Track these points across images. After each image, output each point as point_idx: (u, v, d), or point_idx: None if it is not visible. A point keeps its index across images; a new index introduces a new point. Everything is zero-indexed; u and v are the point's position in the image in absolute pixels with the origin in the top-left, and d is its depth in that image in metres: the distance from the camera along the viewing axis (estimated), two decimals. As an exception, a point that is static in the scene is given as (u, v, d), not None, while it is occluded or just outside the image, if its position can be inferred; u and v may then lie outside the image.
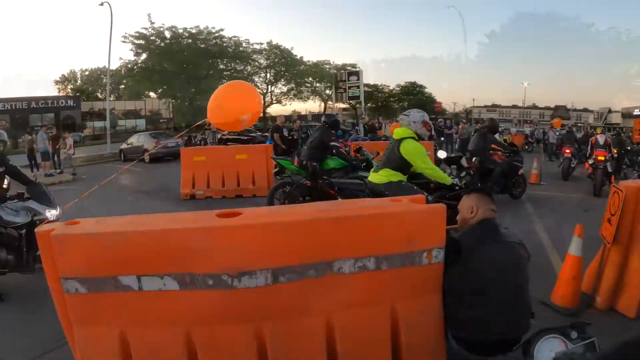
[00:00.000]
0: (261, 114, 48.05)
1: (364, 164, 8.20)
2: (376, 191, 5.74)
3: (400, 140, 5.63)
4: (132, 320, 2.99)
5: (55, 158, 19.49)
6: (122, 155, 25.29)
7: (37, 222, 5.59)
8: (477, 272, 3.00)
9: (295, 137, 14.69)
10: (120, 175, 18.14)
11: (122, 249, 2.86)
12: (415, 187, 5.66)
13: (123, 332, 2.97)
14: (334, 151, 8.07)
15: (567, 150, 15.02)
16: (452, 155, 13.59)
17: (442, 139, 22.55)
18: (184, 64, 37.02)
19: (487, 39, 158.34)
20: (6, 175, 6.25)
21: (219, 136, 28.38)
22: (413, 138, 5.65)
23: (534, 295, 3.27)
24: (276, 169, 10.22)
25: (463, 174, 9.86)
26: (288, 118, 48.87)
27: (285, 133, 14.20)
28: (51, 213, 5.79)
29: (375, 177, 5.79)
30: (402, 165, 5.62)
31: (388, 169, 5.67)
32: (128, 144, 25.18)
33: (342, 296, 3.01)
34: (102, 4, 29.65)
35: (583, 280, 4.85)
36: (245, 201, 10.71)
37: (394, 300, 3.13)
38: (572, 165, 14.84)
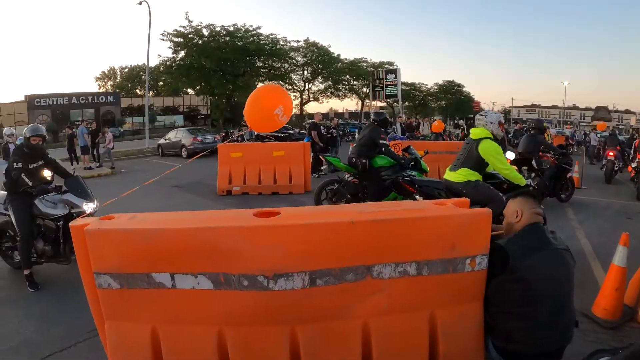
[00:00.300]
0: (298, 112, 47.87)
1: (413, 163, 8.13)
2: (454, 190, 5.92)
3: (479, 140, 5.72)
4: (164, 317, 2.99)
5: (95, 152, 19.97)
6: (160, 150, 25.71)
7: (74, 214, 5.75)
8: (524, 281, 2.87)
9: (333, 134, 14.52)
10: (159, 170, 18.41)
11: (157, 246, 2.83)
12: (490, 187, 5.82)
13: (155, 328, 2.99)
14: (383, 150, 7.99)
15: (611, 153, 14.51)
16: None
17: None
18: (222, 61, 37.13)
19: (528, 37, 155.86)
20: (46, 168, 6.28)
21: (256, 133, 28.46)
22: (490, 138, 5.74)
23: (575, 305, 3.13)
24: (324, 170, 10.25)
25: (533, 175, 9.82)
26: (325, 115, 48.80)
27: (323, 131, 14.07)
28: (88, 206, 5.86)
29: (453, 175, 5.93)
30: (479, 164, 5.75)
31: (466, 168, 5.79)
32: (166, 139, 25.49)
33: (380, 301, 2.93)
34: (140, 3, 30.27)
35: (626, 292, 4.65)
36: (281, 198, 10.71)
37: (434, 306, 3.04)
38: (615, 169, 14.38)
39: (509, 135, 22.99)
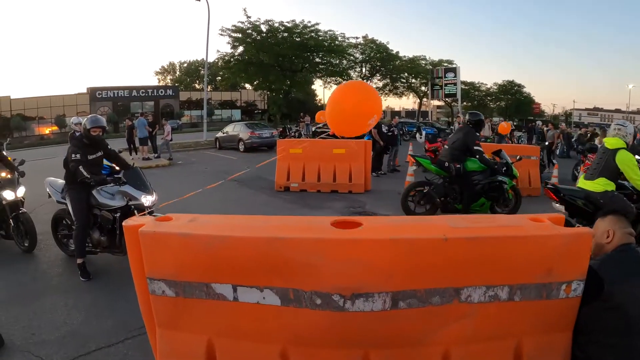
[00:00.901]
0: None
1: (504, 168, 7.88)
2: (591, 199, 5.78)
3: (615, 150, 5.65)
4: (223, 330, 2.76)
5: (152, 143, 20.37)
6: (217, 143, 25.89)
7: (132, 206, 5.83)
8: (620, 309, 2.50)
9: (394, 133, 14.18)
10: (216, 162, 18.50)
11: (219, 254, 2.58)
12: (624, 198, 5.79)
13: (211, 341, 2.79)
14: (477, 157, 7.70)
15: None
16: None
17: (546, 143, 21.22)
18: (280, 56, 37.33)
19: (591, 37, 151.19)
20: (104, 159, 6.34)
21: (313, 129, 28.41)
22: (624, 148, 5.69)
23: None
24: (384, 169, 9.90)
25: None
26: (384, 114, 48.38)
27: (384, 129, 13.74)
28: (146, 198, 5.81)
29: (591, 185, 5.84)
30: (615, 175, 5.71)
31: (604, 178, 5.72)
32: (224, 133, 25.67)
33: (466, 327, 2.58)
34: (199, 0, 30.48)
35: None
36: (341, 197, 10.43)
37: (521, 335, 2.67)
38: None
39: (572, 140, 22.14)
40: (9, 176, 7.33)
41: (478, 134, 8.27)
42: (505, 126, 20.50)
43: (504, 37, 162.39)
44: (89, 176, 5.57)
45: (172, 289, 2.70)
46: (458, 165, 7.67)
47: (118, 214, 5.85)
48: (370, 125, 4.70)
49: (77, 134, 10.32)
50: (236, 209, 9.23)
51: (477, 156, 7.66)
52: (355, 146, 11.22)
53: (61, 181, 6.52)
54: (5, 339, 4.40)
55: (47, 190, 6.84)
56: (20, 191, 7.26)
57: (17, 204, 7.12)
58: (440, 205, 8.03)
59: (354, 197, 10.30)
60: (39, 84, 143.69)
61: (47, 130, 58.11)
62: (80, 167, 5.60)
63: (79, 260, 5.86)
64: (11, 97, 57.52)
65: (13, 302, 5.39)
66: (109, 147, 6.34)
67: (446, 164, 7.78)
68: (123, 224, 2.99)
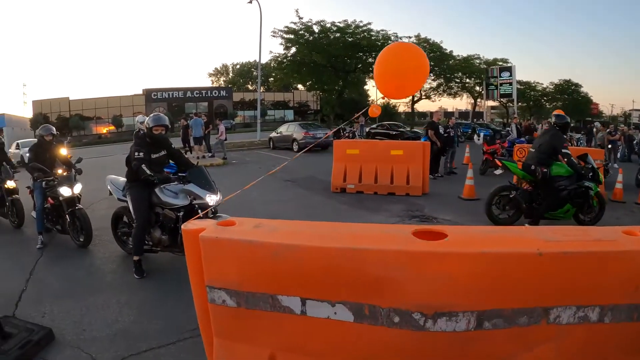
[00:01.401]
0: (409, 109, 47.01)
1: (591, 173, 7.47)
2: None
3: None
4: (287, 345, 2.64)
5: (207, 143, 20.75)
6: (271, 143, 26.09)
7: (196, 205, 5.69)
8: None
9: (450, 134, 13.82)
10: (270, 162, 18.57)
11: (288, 264, 2.44)
12: None
13: (273, 355, 2.67)
14: (565, 160, 7.35)
15: None
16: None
17: (610, 146, 20.31)
18: (333, 57, 37.22)
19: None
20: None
21: (367, 129, 28.28)
22: None
23: None
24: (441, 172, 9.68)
25: None
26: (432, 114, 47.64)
27: (441, 130, 13.44)
28: (211, 198, 5.66)
29: None
30: None
31: None
32: (277, 133, 25.83)
33: (549, 351, 2.34)
34: (250, 2, 30.87)
35: None
36: (398, 200, 10.16)
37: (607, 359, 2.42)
38: None
39: (634, 142, 21.29)
40: (65, 173, 7.67)
41: (565, 137, 7.91)
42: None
43: (559, 34, 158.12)
44: (151, 174, 5.56)
45: (233, 299, 2.60)
46: (545, 170, 7.32)
47: (181, 213, 5.76)
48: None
49: (142, 132, 10.84)
50: (293, 210, 9.15)
51: (566, 160, 7.30)
52: (413, 147, 11.04)
53: (122, 179, 6.58)
54: (56, 334, 4.44)
55: (108, 187, 6.87)
56: (77, 188, 7.55)
57: (73, 200, 7.43)
58: (525, 211, 7.67)
59: (412, 200, 10.03)
60: (97, 85, 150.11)
61: (104, 130, 60.41)
62: (143, 166, 5.58)
63: (135, 258, 5.90)
64: (70, 99, 60.15)
65: (66, 297, 5.47)
66: (173, 146, 6.33)
67: (532, 167, 7.46)
68: (182, 227, 2.92)
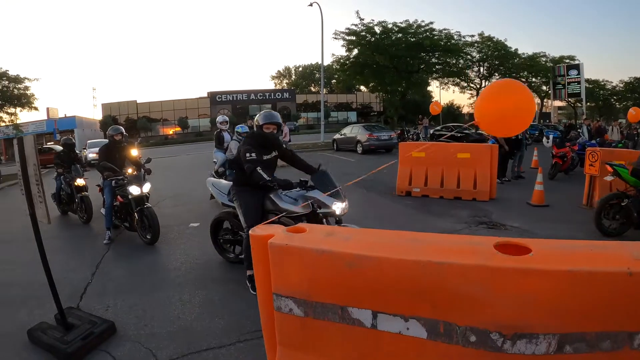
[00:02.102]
0: (474, 111, 46.54)
1: None
2: None
3: None
4: (354, 358, 2.58)
5: None
6: (335, 145, 26.24)
7: (320, 214, 5.15)
8: None
9: (519, 136, 13.29)
10: (333, 164, 18.57)
11: (361, 276, 2.38)
12: None
13: None
14: None
15: None
16: None
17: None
18: (396, 57, 36.91)
19: None
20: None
21: (431, 131, 27.94)
22: None
23: None
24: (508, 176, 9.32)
25: None
26: None
27: None
28: (337, 206, 5.07)
29: None
30: None
31: None
32: (341, 135, 25.91)
33: None
34: (311, 5, 31.25)
35: None
36: (464, 205, 9.92)
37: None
38: None
39: None
40: (135, 173, 7.96)
41: None
42: (634, 113, 18.44)
43: (629, 29, 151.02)
44: (269, 179, 4.93)
45: (301, 308, 2.58)
46: None
47: (304, 222, 5.05)
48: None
49: (225, 133, 11.43)
50: (358, 213, 9.05)
51: None
52: (480, 150, 10.74)
53: (225, 182, 6.35)
54: (118, 327, 4.60)
55: (211, 190, 6.52)
56: (146, 187, 7.81)
57: (142, 198, 7.74)
58: (637, 221, 6.94)
59: (479, 206, 9.77)
60: (163, 88, 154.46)
61: (170, 131, 62.25)
62: (258, 169, 4.97)
63: (249, 272, 5.27)
64: (137, 101, 62.71)
65: (130, 291, 5.66)
66: (285, 146, 5.93)
67: None
68: (250, 232, 2.90)
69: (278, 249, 2.58)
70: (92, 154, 22.86)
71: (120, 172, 7.94)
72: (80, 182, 10.25)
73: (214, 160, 11.50)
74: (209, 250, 6.66)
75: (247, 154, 5.09)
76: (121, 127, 8.66)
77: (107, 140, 8.80)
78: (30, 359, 4.27)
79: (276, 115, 5.42)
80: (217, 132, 11.91)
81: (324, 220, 5.17)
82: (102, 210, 8.53)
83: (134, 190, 7.57)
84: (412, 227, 7.66)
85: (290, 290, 2.60)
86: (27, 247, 6.18)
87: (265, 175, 4.94)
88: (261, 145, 5.35)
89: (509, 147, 12.72)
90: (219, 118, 12.00)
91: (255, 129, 5.43)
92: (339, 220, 5.27)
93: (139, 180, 7.72)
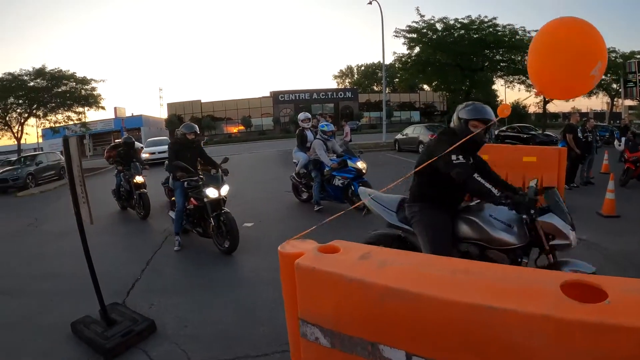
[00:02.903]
0: (540, 110, 43.84)
1: None
2: None
3: None
4: None
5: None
6: (397, 145, 25.99)
7: (548, 247, 3.79)
8: None
9: (588, 139, 12.45)
10: (395, 165, 18.28)
11: (396, 312, 2.06)
12: None
13: None
14: None
15: None
16: None
17: None
18: (459, 55, 36.02)
19: None
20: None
21: (496, 132, 27.17)
22: None
23: None
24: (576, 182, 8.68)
25: None
26: (566, 115, 43.88)
27: (579, 134, 12.09)
28: (573, 235, 3.76)
29: None
30: None
31: None
32: (403, 135, 25.66)
33: None
34: (370, 3, 31.35)
35: None
36: None
37: None
38: None
39: None
40: (212, 173, 7.42)
41: None
42: None
43: None
44: (500, 193, 3.60)
45: (327, 338, 2.33)
46: None
47: (524, 260, 3.85)
48: (594, 77, 3.35)
49: (308, 132, 10.93)
50: None
51: None
52: (548, 154, 10.06)
53: (391, 196, 4.82)
54: (158, 326, 4.63)
55: (370, 205, 4.83)
56: (224, 190, 7.24)
57: (219, 202, 7.12)
58: None
59: None
60: (226, 88, 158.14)
61: (234, 130, 63.37)
62: (479, 178, 3.61)
63: None
64: (202, 101, 64.14)
65: (175, 291, 5.68)
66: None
67: None
68: (278, 249, 2.65)
69: (305, 272, 2.37)
70: (145, 154, 23.06)
71: (195, 172, 7.48)
72: (138, 179, 10.80)
73: (295, 161, 10.95)
74: (260, 252, 6.60)
75: (454, 156, 3.77)
76: (195, 125, 8.05)
77: (165, 137, 8.91)
78: (71, 351, 4.37)
79: (487, 109, 4.12)
80: (299, 130, 11.13)
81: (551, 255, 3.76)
82: (171, 214, 8.17)
83: (211, 193, 7.03)
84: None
85: (317, 318, 2.37)
86: (89, 239, 6.20)
87: (495, 191, 3.61)
88: (462, 149, 3.86)
89: (580, 149, 11.95)
90: (301, 115, 11.19)
91: (461, 123, 4.06)
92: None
93: (216, 182, 7.15)
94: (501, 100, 66.64)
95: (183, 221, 7.73)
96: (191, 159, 7.67)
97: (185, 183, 7.46)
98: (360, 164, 9.38)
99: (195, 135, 7.84)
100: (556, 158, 9.81)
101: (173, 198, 8.12)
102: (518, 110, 60.86)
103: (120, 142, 12.69)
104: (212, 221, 7.10)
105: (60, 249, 8.23)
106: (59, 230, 9.03)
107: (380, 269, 2.29)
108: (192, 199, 7.46)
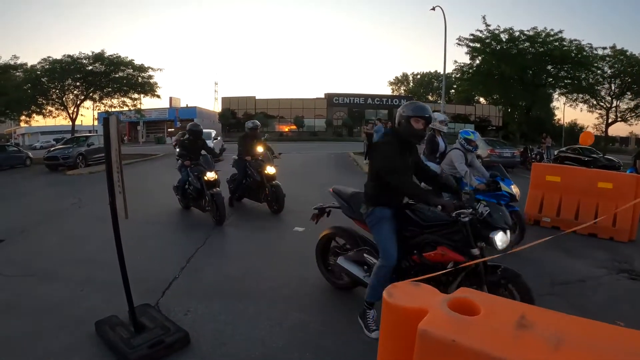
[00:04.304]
0: (602, 133, 41.83)
1: None
2: None
3: None
4: None
5: None
6: (448, 158, 25.03)
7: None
8: None
9: None
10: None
11: None
12: None
13: None
14: None
15: None
16: None
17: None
18: (522, 68, 34.93)
19: None
20: None
21: (555, 152, 26.27)
22: None
23: None
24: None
25: None
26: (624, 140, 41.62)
27: None
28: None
29: None
30: None
31: None
32: (459, 148, 24.67)
33: None
34: (433, 9, 31.13)
35: None
36: (600, 244, 8.46)
37: None
38: None
39: None
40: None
41: None
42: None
43: None
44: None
45: None
46: None
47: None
48: None
49: (439, 138, 8.85)
50: None
51: None
52: (625, 181, 9.26)
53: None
54: (193, 339, 4.18)
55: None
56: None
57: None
58: None
59: (618, 247, 8.32)
60: (281, 87, 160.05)
61: (286, 129, 63.87)
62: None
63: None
64: (256, 97, 64.69)
65: (216, 296, 5.30)
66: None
67: None
68: (384, 295, 2.16)
69: (438, 344, 1.76)
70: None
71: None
72: (210, 176, 9.31)
73: None
74: (312, 260, 6.00)
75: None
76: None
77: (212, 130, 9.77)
78: (90, 353, 4.04)
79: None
80: (429, 134, 8.73)
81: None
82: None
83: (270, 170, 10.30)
84: (545, 268, 6.84)
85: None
86: (129, 228, 6.02)
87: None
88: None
89: None
90: (437, 115, 8.75)
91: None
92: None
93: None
94: (558, 120, 64.97)
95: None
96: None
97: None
98: (515, 188, 7.45)
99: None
100: (634, 187, 9.07)
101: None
102: (576, 132, 58.80)
103: (189, 129, 10.73)
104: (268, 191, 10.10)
105: (99, 234, 7.97)
106: (101, 214, 8.67)
107: (558, 353, 1.68)
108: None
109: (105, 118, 4.15)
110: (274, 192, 10.20)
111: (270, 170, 10.16)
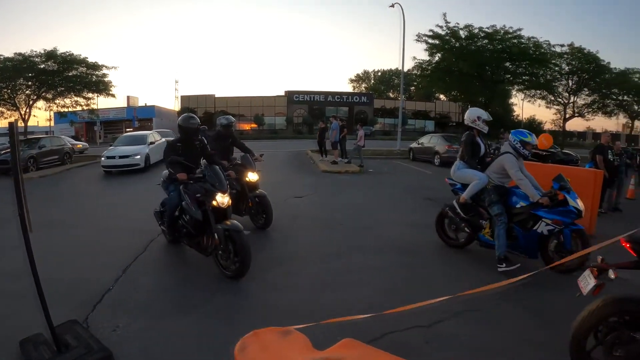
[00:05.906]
0: (560, 128, 42.82)
1: None
2: None
3: None
4: None
5: (342, 147, 21.03)
6: (411, 154, 25.54)
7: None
8: None
9: (616, 163, 11.39)
10: (408, 175, 17.73)
11: None
12: None
13: None
14: None
15: None
16: None
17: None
18: (480, 65, 35.25)
19: None
20: None
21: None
22: None
23: None
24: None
25: None
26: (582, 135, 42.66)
27: (610, 156, 11.13)
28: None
29: None
30: None
31: None
32: (419, 144, 25.19)
33: None
34: (393, 6, 30.89)
35: None
36: None
37: None
38: None
39: None
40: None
41: None
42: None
43: None
44: None
45: None
46: None
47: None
48: None
49: (478, 139, 7.31)
50: (437, 239, 7.82)
51: None
52: (583, 176, 9.00)
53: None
54: (117, 358, 3.79)
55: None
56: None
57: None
58: None
59: None
60: (242, 85, 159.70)
61: (247, 127, 63.41)
62: None
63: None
64: (215, 96, 64.08)
65: (148, 310, 4.90)
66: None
67: None
68: (236, 349, 1.82)
69: None
70: None
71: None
72: (252, 177, 8.36)
73: (454, 182, 7.72)
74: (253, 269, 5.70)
75: None
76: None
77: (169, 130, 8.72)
78: None
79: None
80: (467, 135, 7.32)
81: None
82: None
83: (252, 177, 8.42)
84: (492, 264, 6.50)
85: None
86: (70, 234, 5.53)
87: None
88: None
89: (609, 173, 10.78)
90: (474, 111, 7.46)
91: None
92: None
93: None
94: (517, 116, 66.09)
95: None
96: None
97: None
98: (580, 202, 6.05)
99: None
100: (592, 182, 8.89)
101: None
102: (534, 127, 59.92)
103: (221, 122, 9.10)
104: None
105: (41, 243, 7.26)
106: (46, 221, 8.23)
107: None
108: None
109: (10, 123, 3.67)
110: (258, 203, 8.31)
111: (252, 177, 8.24)
